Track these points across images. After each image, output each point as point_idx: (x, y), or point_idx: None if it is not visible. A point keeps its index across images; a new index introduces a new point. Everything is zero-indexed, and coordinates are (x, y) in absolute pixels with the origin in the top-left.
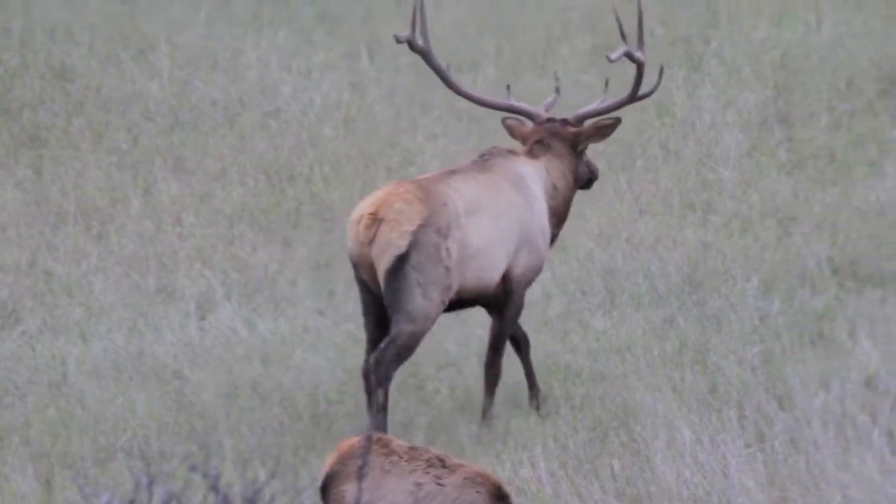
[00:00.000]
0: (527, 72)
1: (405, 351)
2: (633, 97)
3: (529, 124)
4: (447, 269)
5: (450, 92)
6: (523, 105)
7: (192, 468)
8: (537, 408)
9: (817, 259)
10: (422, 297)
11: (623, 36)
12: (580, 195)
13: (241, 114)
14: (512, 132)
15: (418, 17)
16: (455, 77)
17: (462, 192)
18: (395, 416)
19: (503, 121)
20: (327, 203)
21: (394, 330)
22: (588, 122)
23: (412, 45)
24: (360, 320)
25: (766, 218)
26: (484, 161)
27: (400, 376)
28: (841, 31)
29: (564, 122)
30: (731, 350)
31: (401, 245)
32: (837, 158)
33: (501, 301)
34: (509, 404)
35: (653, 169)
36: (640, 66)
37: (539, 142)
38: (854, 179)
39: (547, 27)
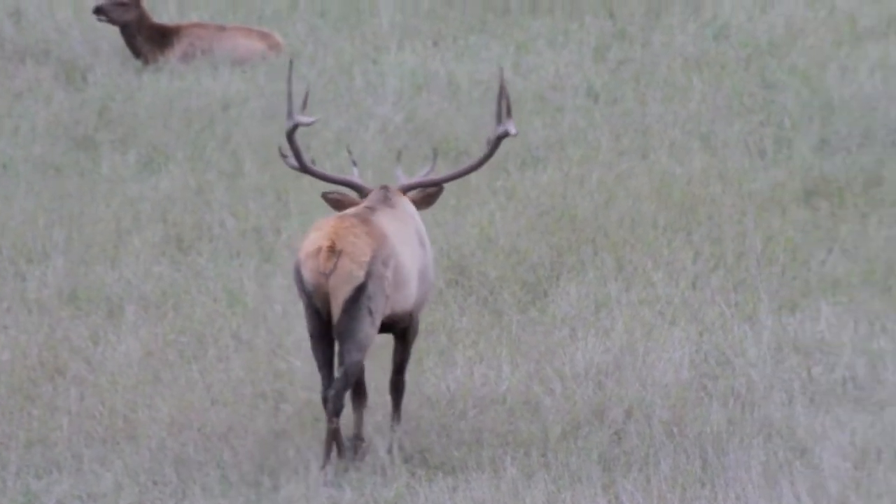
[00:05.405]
0: (98, 262)
1: (353, 379)
2: (480, 164)
3: (353, 196)
4: (386, 297)
5: (20, 283)
6: (352, 178)
7: None
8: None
9: (388, 447)
10: (370, 325)
11: (499, 117)
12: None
13: None
14: (338, 205)
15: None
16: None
17: (388, 226)
18: None
19: (324, 195)
20: None
21: (346, 360)
22: (415, 192)
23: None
24: None
25: None
26: (387, 197)
27: None
28: None
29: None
30: None
31: (359, 276)
32: None
33: (406, 327)
34: None
35: (224, 358)
36: (501, 138)
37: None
38: (425, 368)
39: (117, 218)
